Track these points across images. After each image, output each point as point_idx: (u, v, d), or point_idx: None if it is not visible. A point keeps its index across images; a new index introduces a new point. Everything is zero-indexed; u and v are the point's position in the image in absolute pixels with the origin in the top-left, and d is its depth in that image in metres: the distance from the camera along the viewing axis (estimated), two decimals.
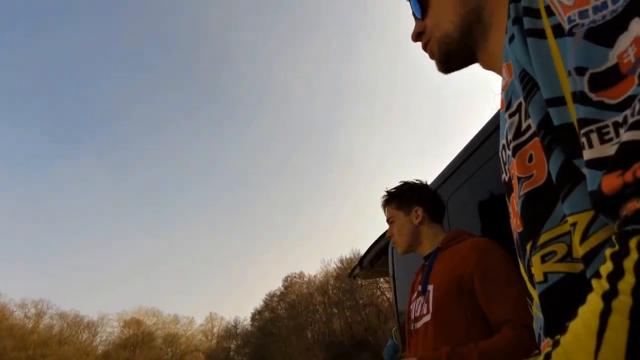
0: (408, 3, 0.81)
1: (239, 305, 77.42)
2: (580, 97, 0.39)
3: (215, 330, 48.53)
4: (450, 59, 0.72)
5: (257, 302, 64.40)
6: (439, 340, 1.35)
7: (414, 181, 1.75)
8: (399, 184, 1.77)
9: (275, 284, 77.70)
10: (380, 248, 3.62)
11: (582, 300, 0.37)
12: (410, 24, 0.80)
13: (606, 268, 0.34)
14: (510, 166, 0.56)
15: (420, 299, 1.51)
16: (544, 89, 0.45)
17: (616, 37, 0.37)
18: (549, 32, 0.44)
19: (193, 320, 48.07)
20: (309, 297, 44.44)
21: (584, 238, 0.41)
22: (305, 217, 71.95)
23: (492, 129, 1.62)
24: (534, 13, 0.46)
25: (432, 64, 0.77)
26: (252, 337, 45.20)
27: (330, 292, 43.70)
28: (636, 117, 0.33)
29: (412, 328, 1.51)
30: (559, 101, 0.43)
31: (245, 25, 70.48)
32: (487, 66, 0.72)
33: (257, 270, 72.18)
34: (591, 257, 0.41)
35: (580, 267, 0.43)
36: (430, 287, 1.46)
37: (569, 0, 0.42)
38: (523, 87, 0.49)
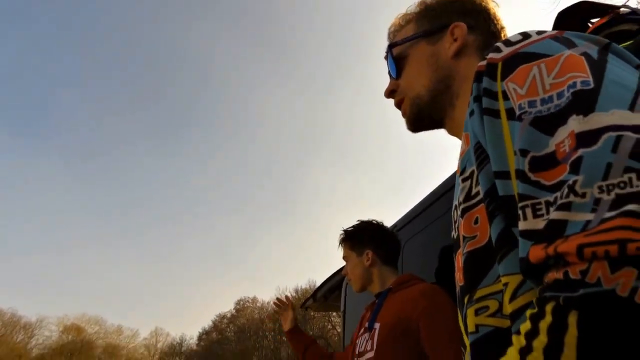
0: (385, 62, 0.88)
1: (187, 323, 74.67)
2: (521, 175, 0.44)
3: (159, 345, 46.53)
4: (420, 119, 0.79)
5: (206, 322, 62.25)
6: None
7: (369, 221, 1.79)
8: (355, 222, 1.80)
9: (227, 306, 75.76)
10: (335, 283, 3.65)
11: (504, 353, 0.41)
12: (385, 80, 0.87)
13: (525, 327, 0.38)
14: (459, 225, 0.60)
15: (366, 335, 1.55)
16: (493, 163, 0.50)
17: (557, 128, 0.42)
18: (502, 114, 0.49)
19: (137, 333, 46.04)
20: (260, 323, 43.38)
21: (513, 297, 0.46)
22: (265, 243, 71.05)
23: (452, 184, 1.72)
24: (492, 95, 0.51)
25: (402, 121, 0.84)
26: (196, 357, 43.51)
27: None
28: (563, 200, 0.38)
29: None
30: (504, 175, 0.48)
31: (222, 53, 70.58)
32: (452, 132, 0.78)
33: (210, 289, 70.15)
34: (517, 315, 0.45)
35: (508, 322, 0.48)
36: (377, 325, 1.50)
37: (522, 90, 0.47)
38: (476, 157, 0.54)
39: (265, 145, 72.35)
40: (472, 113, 0.55)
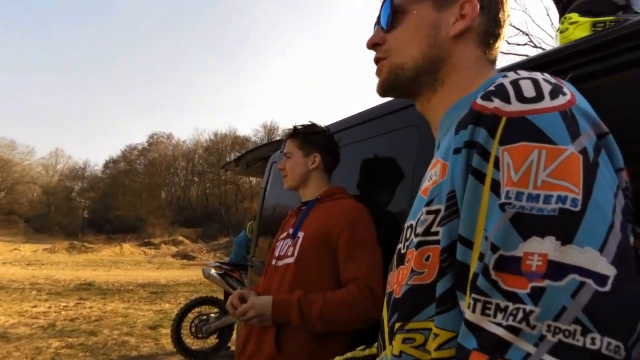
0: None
1: (92, 149, 72.18)
2: (484, 269, 0.46)
3: (59, 167, 45.12)
4: (393, 90, 0.74)
5: (114, 151, 60.80)
6: (295, 283, 1.48)
7: (323, 127, 1.78)
8: (308, 123, 1.78)
9: (138, 138, 74.04)
10: (261, 155, 3.68)
11: None
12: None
13: None
14: (409, 250, 0.62)
15: (288, 240, 1.61)
16: (461, 225, 0.51)
17: (531, 235, 0.43)
18: (488, 182, 0.49)
19: (33, 150, 43.48)
20: (173, 160, 43.58)
21: (439, 347, 0.53)
22: (187, 76, 67.57)
23: (397, 107, 1.65)
24: (485, 156, 0.50)
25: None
26: (101, 184, 43.35)
27: (196, 160, 43.44)
28: (515, 323, 0.42)
29: (274, 264, 1.62)
30: (468, 244, 0.50)
31: None
32: (424, 113, 0.75)
33: (120, 117, 67.25)
34: None
35: (428, 357, 0.55)
36: (301, 235, 1.57)
37: (515, 175, 0.46)
38: (447, 206, 0.54)
39: None
40: (457, 151, 0.54)
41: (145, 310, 7.42)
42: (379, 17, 0.76)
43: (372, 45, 0.75)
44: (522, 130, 0.48)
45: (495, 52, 0.71)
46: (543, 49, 6.46)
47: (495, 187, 0.48)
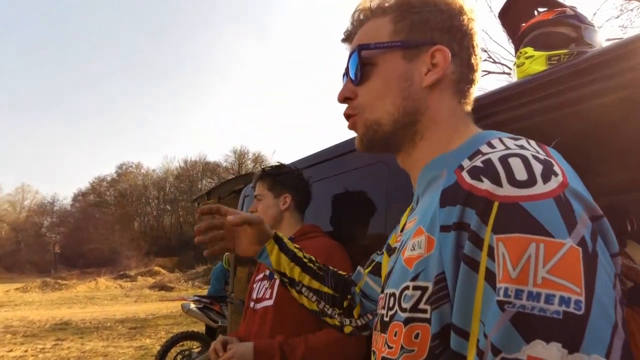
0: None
1: (59, 183, 70.01)
2: None
3: (26, 203, 43.59)
4: (374, 146, 0.71)
5: (82, 184, 59.10)
6: (276, 326, 1.46)
7: (291, 167, 1.77)
8: (276, 164, 1.78)
9: (106, 169, 72.41)
10: (232, 188, 3.66)
11: None
12: None
13: None
14: (395, 322, 0.59)
15: (265, 282, 1.59)
16: (455, 315, 0.48)
17: (534, 337, 0.41)
18: (482, 270, 0.46)
19: None
20: (143, 190, 42.67)
21: None
22: (153, 105, 66.84)
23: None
24: (478, 243, 0.47)
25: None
26: (71, 217, 42.02)
27: (168, 189, 42.65)
28: None
29: (253, 307, 1.59)
30: (463, 334, 0.47)
31: None
32: (406, 168, 0.73)
33: (87, 149, 65.76)
34: None
35: None
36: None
37: (513, 271, 0.43)
38: (436, 289, 0.52)
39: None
40: (445, 229, 0.51)
41: (126, 348, 7.11)
42: (347, 69, 0.72)
43: (344, 99, 0.72)
44: (517, 219, 0.45)
45: (470, 99, 0.69)
46: (502, 63, 6.69)
47: (490, 277, 0.45)
